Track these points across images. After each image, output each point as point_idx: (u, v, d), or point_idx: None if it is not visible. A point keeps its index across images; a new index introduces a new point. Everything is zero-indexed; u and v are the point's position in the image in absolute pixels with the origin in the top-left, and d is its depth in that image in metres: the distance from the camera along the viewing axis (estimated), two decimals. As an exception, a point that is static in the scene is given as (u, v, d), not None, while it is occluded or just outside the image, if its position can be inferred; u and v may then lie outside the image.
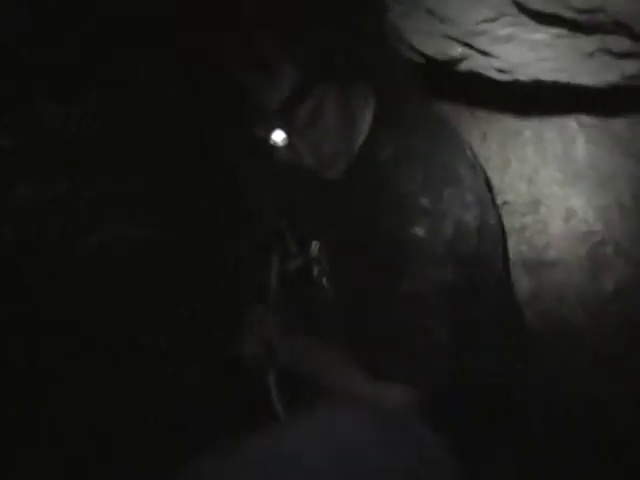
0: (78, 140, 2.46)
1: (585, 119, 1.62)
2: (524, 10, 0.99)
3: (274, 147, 1.23)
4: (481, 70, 1.18)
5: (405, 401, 1.33)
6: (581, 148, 1.66)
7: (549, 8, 0.96)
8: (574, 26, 1.01)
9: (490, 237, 1.32)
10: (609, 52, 1.05)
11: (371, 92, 1.25)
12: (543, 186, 1.77)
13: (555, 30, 1.05)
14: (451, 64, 1.15)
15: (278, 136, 1.21)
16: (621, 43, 1.03)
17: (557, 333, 1.80)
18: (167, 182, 2.55)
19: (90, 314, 2.43)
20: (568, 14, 0.96)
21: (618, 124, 1.56)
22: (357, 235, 1.32)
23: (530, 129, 1.79)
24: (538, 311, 1.80)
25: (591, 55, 1.07)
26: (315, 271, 1.53)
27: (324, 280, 1.51)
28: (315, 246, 1.53)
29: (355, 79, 1.22)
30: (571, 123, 1.67)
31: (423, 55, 1.16)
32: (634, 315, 1.68)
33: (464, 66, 1.17)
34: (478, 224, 1.24)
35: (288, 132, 1.21)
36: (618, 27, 0.98)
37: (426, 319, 1.24)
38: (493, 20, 1.04)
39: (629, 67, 1.07)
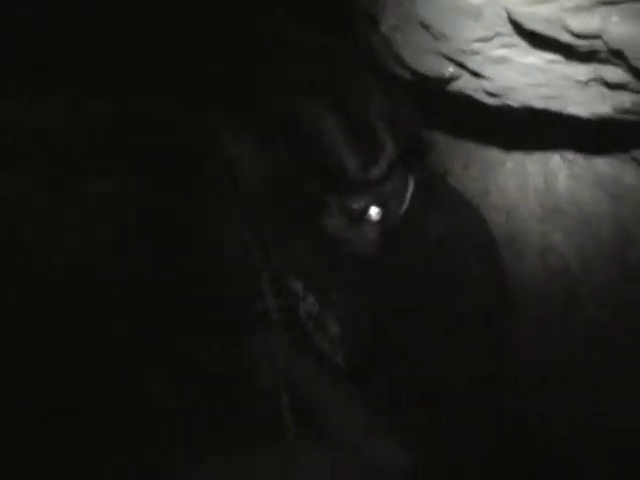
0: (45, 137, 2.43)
1: (569, 154, 1.60)
2: (520, 30, 0.96)
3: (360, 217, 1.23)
4: (471, 92, 1.15)
5: (403, 464, 1.32)
6: (562, 183, 1.65)
7: (546, 30, 0.94)
8: (569, 52, 0.98)
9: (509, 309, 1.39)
10: (603, 82, 1.02)
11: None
12: (521, 220, 1.75)
13: (549, 55, 1.02)
14: (442, 83, 1.12)
15: (373, 210, 1.21)
16: (616, 74, 1.00)
17: (531, 369, 1.78)
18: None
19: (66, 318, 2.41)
20: (564, 37, 0.94)
21: (602, 162, 1.55)
22: (384, 303, 1.33)
23: (513, 161, 1.77)
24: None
25: (585, 84, 1.05)
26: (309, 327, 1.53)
27: (324, 341, 1.50)
28: (310, 301, 1.52)
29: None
30: (554, 157, 1.65)
31: (413, 71, 1.13)
32: (607, 359, 1.66)
33: (454, 86, 1.14)
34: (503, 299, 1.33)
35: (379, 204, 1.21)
36: (614, 56, 0.96)
37: (447, 398, 1.26)
38: (487, 40, 1.01)
39: (622, 100, 1.05)
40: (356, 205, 1.20)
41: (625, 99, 1.04)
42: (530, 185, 1.71)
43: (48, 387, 2.19)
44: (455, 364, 1.27)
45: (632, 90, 1.02)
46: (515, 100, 1.12)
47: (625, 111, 1.07)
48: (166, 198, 2.61)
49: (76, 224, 2.56)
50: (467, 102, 1.19)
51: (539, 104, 1.12)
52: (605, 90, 1.04)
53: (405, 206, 1.31)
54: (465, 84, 1.12)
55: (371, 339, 1.37)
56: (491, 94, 1.12)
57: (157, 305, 2.42)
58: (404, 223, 1.31)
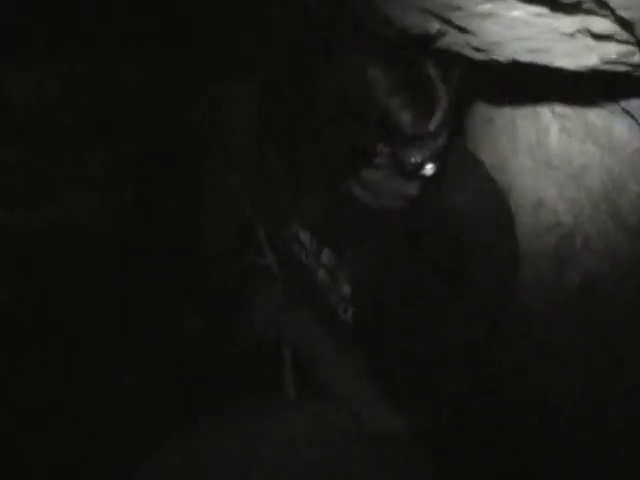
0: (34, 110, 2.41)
1: (559, 108, 1.59)
2: (505, -16, 0.96)
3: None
4: (458, 48, 1.13)
5: (402, 428, 1.34)
6: (554, 138, 1.64)
7: (531, -18, 0.93)
8: (554, 4, 0.97)
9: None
10: (589, 33, 1.02)
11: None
12: (514, 175, 1.75)
13: (535, 8, 1.01)
14: (428, 40, 1.11)
15: (429, 165, 1.20)
16: (602, 25, 1.00)
17: (520, 324, 1.79)
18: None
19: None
20: (550, -10, 0.93)
21: (593, 114, 1.54)
22: (400, 269, 1.34)
23: (503, 117, 1.76)
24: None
25: (571, 36, 1.04)
26: (327, 280, 1.52)
27: (332, 293, 1.49)
28: (326, 254, 1.52)
29: None
30: (545, 112, 1.64)
31: (398, 29, 1.12)
32: (598, 310, 1.67)
33: (441, 43, 1.13)
34: (516, 273, 1.40)
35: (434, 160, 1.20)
36: (600, 7, 0.95)
37: (453, 365, 1.28)
38: (472, -6, 1.00)
39: (608, 51, 1.04)
40: (413, 159, 1.18)
41: (611, 50, 1.03)
42: (521, 140, 1.71)
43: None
44: (457, 336, 1.28)
45: (618, 40, 1.01)
46: (502, 55, 1.11)
47: (612, 62, 1.06)
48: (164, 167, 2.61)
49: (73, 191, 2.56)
50: (455, 59, 1.18)
51: (526, 58, 1.11)
52: (591, 41, 1.03)
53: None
54: (452, 40, 1.11)
55: (381, 304, 1.38)
56: (478, 49, 1.11)
57: (156, 272, 2.43)
58: (432, 189, 1.31)
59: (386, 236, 1.39)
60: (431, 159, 1.21)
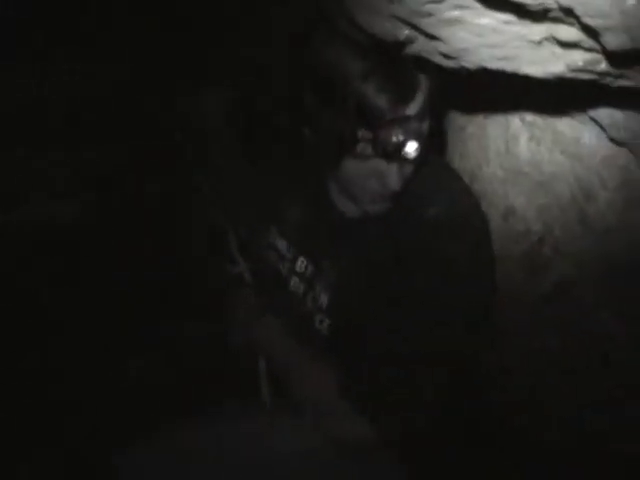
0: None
1: (529, 116, 1.61)
2: (473, -9, 0.96)
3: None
4: (427, 55, 1.14)
5: (367, 436, 1.33)
6: (523, 146, 1.66)
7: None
8: (522, 11, 0.98)
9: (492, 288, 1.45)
10: (556, 41, 1.03)
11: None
12: (484, 183, 1.76)
13: (503, 16, 1.02)
14: (398, 46, 1.12)
15: (410, 144, 1.20)
16: (568, 32, 1.01)
17: (492, 330, 1.80)
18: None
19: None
20: (517, -3, 0.94)
21: (561, 123, 1.56)
22: (377, 280, 1.34)
23: (474, 125, 1.78)
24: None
25: (538, 44, 1.05)
26: (301, 289, 1.52)
27: (309, 302, 1.49)
28: (302, 263, 1.51)
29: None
30: (515, 120, 1.66)
31: (369, 35, 1.13)
32: (569, 314, 1.68)
33: (410, 50, 1.14)
34: (491, 285, 1.39)
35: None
36: (566, 14, 0.96)
37: (423, 379, 1.27)
38: (440, 1, 1.00)
39: (575, 58, 1.06)
40: (394, 138, 1.18)
41: (578, 58, 1.04)
42: (491, 148, 1.72)
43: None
44: (433, 344, 1.28)
45: (584, 48, 1.02)
46: (470, 62, 1.12)
47: (578, 70, 1.07)
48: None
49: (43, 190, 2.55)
50: (424, 65, 1.19)
51: (494, 65, 1.12)
52: (558, 49, 1.04)
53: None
54: (421, 47, 1.12)
55: (361, 312, 1.37)
56: (447, 56, 1.12)
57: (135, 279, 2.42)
58: (406, 197, 1.31)
59: (364, 247, 1.39)
60: (413, 138, 1.20)
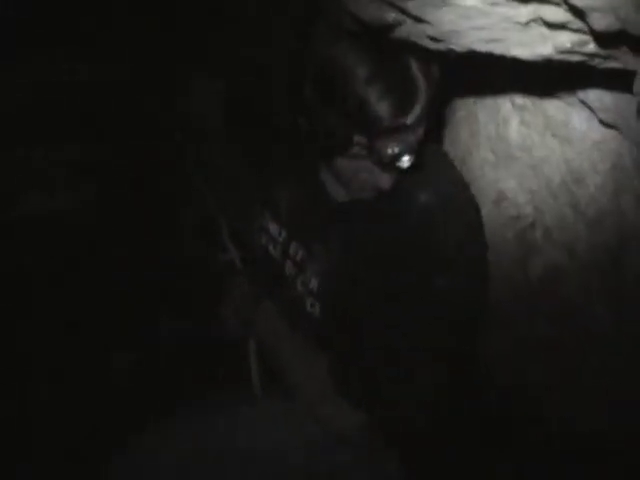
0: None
1: (519, 100, 1.60)
2: (459, -28, 0.95)
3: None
4: (415, 39, 1.13)
5: (363, 427, 1.33)
6: (514, 130, 1.65)
7: (484, -30, 0.93)
8: (509, -7, 0.98)
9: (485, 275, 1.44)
10: (543, 22, 1.02)
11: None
12: (475, 168, 1.76)
13: (490, -3, 1.02)
14: (385, 30, 1.11)
15: (405, 157, 1.19)
16: (555, 14, 1.00)
17: (486, 314, 1.80)
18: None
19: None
20: (503, -22, 0.93)
21: (552, 106, 1.55)
22: (367, 265, 1.33)
23: (464, 109, 1.77)
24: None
25: (526, 25, 1.04)
26: (292, 272, 1.51)
27: (299, 286, 1.48)
28: (294, 247, 1.51)
29: None
30: (505, 104, 1.65)
31: (357, 19, 1.12)
32: (561, 300, 1.68)
33: (398, 33, 1.12)
34: (482, 272, 1.39)
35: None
36: (553, -5, 0.95)
37: (418, 366, 1.27)
38: (427, -17, 1.00)
39: (562, 40, 1.05)
40: (389, 150, 1.18)
41: (565, 39, 1.03)
42: (482, 132, 1.72)
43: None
44: (429, 336, 1.28)
45: (572, 29, 1.01)
46: (458, 45, 1.11)
47: (566, 51, 1.06)
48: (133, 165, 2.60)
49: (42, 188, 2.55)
50: (413, 49, 1.17)
51: (482, 47, 1.11)
52: (546, 30, 1.03)
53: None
54: (409, 30, 1.10)
55: (346, 300, 1.37)
56: (434, 39, 1.11)
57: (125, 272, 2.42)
58: (397, 184, 1.30)
59: (354, 232, 1.39)
60: (408, 151, 1.20)
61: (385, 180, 1.26)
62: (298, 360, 1.43)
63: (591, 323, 1.66)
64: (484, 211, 1.78)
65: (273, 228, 1.55)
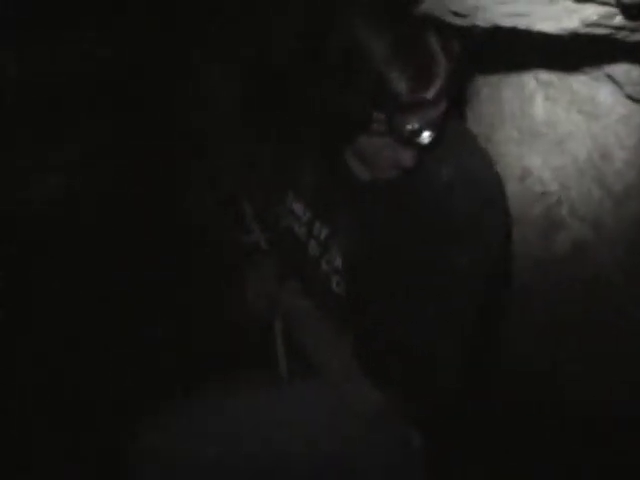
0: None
1: (544, 75, 1.58)
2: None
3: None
4: (438, 14, 1.13)
5: (389, 409, 1.33)
6: (539, 106, 1.63)
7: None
8: (534, -34, 0.97)
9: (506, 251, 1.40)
10: (569, -4, 1.01)
11: None
12: (499, 145, 1.75)
13: (514, -29, 1.01)
14: (407, 5, 1.10)
15: (425, 133, 1.18)
16: (582, -14, 0.99)
17: (510, 292, 1.80)
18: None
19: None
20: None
21: (576, 81, 1.53)
22: (391, 243, 1.33)
23: (488, 86, 1.75)
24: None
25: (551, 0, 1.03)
26: (317, 252, 1.51)
27: (324, 265, 1.49)
28: (318, 226, 1.50)
29: None
30: (529, 80, 1.63)
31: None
32: (588, 275, 1.67)
33: (421, 9, 1.12)
34: (505, 248, 1.35)
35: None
36: (579, -32, 0.94)
37: (439, 341, 1.26)
38: (450, -42, 0.99)
39: (588, 13, 1.04)
40: (409, 126, 1.17)
41: (592, 12, 1.02)
42: (506, 110, 1.70)
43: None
44: (445, 311, 1.27)
45: (598, 2, 1.00)
46: (483, 20, 1.10)
47: (593, 24, 1.05)
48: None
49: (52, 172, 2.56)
50: (436, 25, 1.17)
51: (507, 22, 1.10)
52: (571, 4, 1.02)
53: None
54: (431, 5, 1.10)
55: (370, 277, 1.37)
56: (458, 14, 1.10)
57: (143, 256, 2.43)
58: (422, 162, 1.30)
59: (378, 209, 1.38)
60: (428, 127, 1.19)
61: (407, 157, 1.25)
62: (323, 339, 1.44)
63: (619, 302, 1.64)
64: (509, 188, 1.77)
65: (297, 208, 1.55)
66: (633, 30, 1.06)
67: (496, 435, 1.84)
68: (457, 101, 1.75)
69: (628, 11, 0.99)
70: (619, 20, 1.03)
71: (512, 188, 1.72)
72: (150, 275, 2.37)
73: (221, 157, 1.97)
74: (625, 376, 1.63)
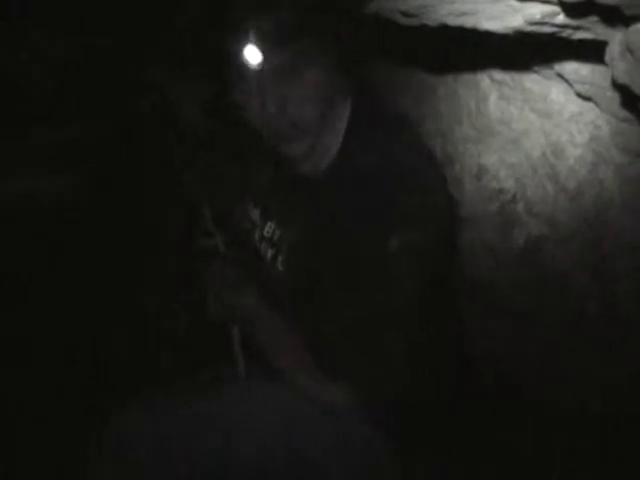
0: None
1: (497, 75, 1.60)
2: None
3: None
4: (387, 14, 1.13)
5: (345, 399, 1.33)
6: (494, 105, 1.65)
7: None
8: (478, -35, 0.98)
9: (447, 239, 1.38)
10: (513, -5, 1.02)
11: (349, 88, 1.26)
12: (457, 143, 1.76)
13: (459, -29, 1.02)
14: (357, 5, 1.11)
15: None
16: (525, -15, 1.00)
17: (467, 287, 1.81)
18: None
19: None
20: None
21: (529, 80, 1.55)
22: (328, 233, 1.33)
23: (445, 86, 1.77)
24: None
25: (495, -2, 1.04)
26: (269, 254, 1.52)
27: (279, 263, 1.48)
28: (269, 228, 1.51)
29: (334, 68, 1.21)
30: (484, 79, 1.65)
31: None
32: (543, 270, 1.70)
33: (371, 9, 1.13)
34: (444, 235, 1.31)
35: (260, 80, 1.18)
36: (521, -33, 0.95)
37: (386, 330, 1.26)
38: (397, -42, 1.00)
39: (533, 12, 1.05)
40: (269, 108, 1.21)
41: (535, 11, 1.03)
42: (463, 108, 1.72)
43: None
44: (387, 298, 1.27)
45: (541, 1, 1.01)
46: (431, 19, 1.11)
47: (537, 23, 1.06)
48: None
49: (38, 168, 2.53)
50: (386, 25, 1.18)
51: (455, 21, 1.10)
52: (516, 3, 1.03)
53: (340, 137, 1.30)
54: (380, 5, 1.11)
55: (314, 271, 1.37)
56: (407, 14, 1.11)
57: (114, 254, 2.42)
58: (344, 150, 1.31)
59: (317, 204, 1.39)
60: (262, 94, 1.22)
61: (296, 147, 1.29)
62: (279, 338, 1.43)
63: (572, 294, 1.67)
64: (466, 185, 1.79)
65: (254, 214, 1.56)
66: (576, 28, 1.07)
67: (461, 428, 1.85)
68: (414, 99, 1.77)
69: (570, 9, 1.00)
70: (562, 18, 1.05)
71: (469, 185, 1.74)
72: (110, 275, 2.35)
73: (185, 164, 1.97)
74: (579, 364, 1.66)
